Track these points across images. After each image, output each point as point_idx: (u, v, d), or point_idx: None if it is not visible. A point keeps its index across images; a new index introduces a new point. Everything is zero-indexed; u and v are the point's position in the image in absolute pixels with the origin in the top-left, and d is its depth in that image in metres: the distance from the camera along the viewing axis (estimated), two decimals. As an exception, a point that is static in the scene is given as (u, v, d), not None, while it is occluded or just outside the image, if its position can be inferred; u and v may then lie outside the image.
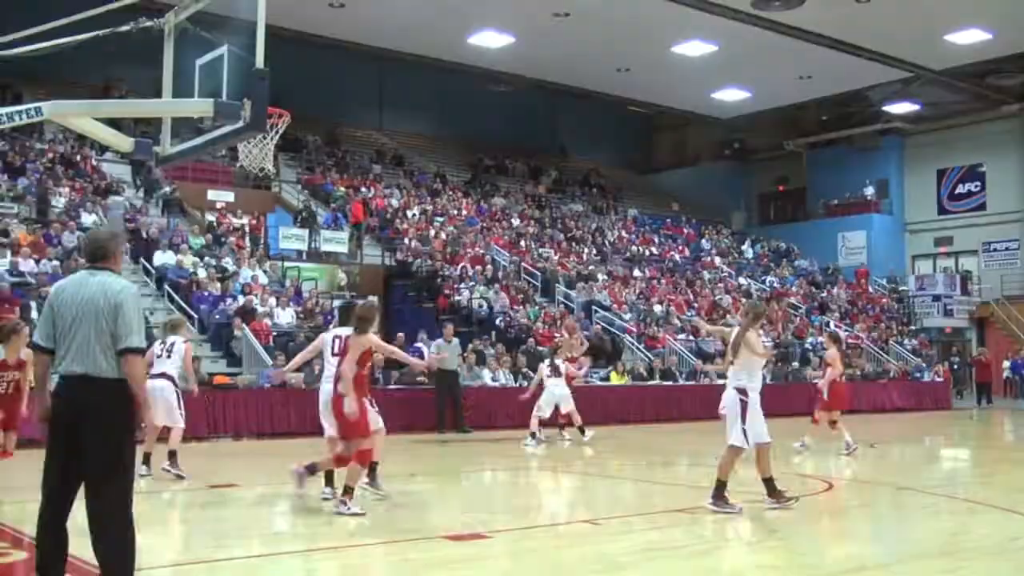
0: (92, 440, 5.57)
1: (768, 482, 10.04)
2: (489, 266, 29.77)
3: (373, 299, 15.02)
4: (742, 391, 9.80)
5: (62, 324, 5.73)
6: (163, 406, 12.05)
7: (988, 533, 9.42)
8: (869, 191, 44.54)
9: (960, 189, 43.57)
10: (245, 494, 11.63)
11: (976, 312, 40.74)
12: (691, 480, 12.90)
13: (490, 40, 33.41)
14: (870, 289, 41.15)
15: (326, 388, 10.26)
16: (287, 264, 27.69)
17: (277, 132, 11.38)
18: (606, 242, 36.77)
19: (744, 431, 9.69)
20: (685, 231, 41.79)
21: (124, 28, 9.62)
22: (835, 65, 35.33)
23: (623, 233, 38.58)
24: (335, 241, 29.20)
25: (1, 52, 9.37)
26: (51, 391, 5.78)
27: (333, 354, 10.33)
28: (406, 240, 30.35)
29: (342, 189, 32.68)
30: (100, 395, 5.61)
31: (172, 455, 12.30)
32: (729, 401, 9.87)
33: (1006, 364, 36.57)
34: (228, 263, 24.91)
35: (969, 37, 33.24)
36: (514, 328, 26.42)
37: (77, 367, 5.64)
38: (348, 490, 9.39)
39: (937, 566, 7.86)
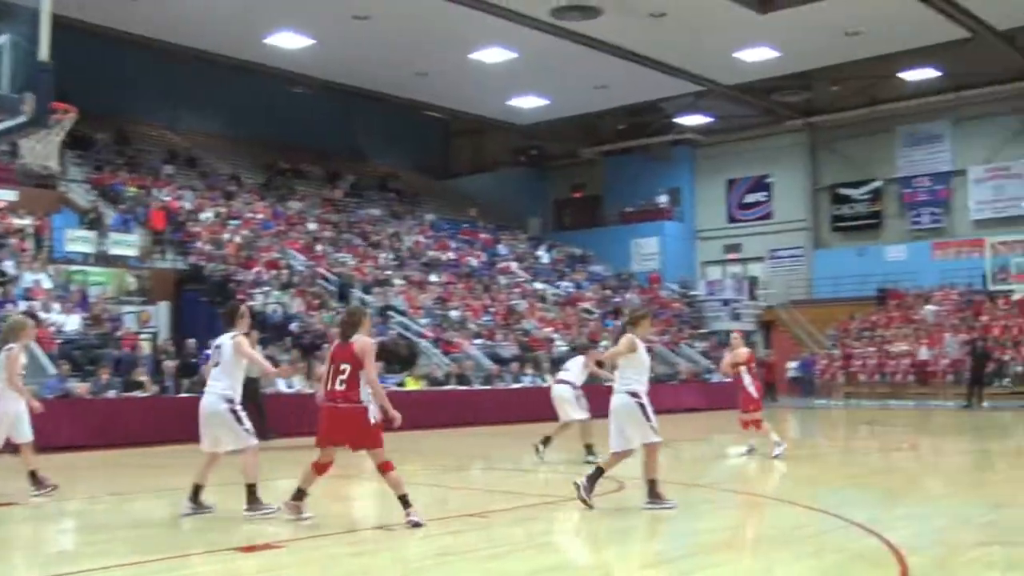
0: None
1: (652, 483, 10.18)
2: (284, 271, 29.27)
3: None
4: (634, 394, 10.03)
5: None
6: None
7: (771, 524, 9.79)
8: (662, 199, 45.78)
9: (748, 199, 45.26)
10: (25, 512, 11.01)
11: (763, 316, 42.37)
12: (485, 484, 12.94)
13: (288, 41, 32.82)
14: (662, 294, 42.24)
15: (210, 400, 9.80)
16: (73, 268, 26.46)
17: (63, 128, 10.91)
18: (403, 247, 36.64)
19: (652, 428, 10.01)
20: (482, 236, 41.99)
21: None
22: (631, 76, 36.15)
23: (420, 238, 38.52)
24: (124, 244, 28.07)
25: None
26: None
27: (214, 364, 9.90)
28: (199, 244, 29.47)
29: (133, 189, 31.57)
30: None
31: None
32: (620, 406, 10.08)
33: (791, 364, 38.14)
34: (9, 266, 23.72)
35: (757, 55, 34.54)
36: (309, 334, 26.03)
37: None
38: (406, 502, 9.04)
39: (723, 558, 8.09)
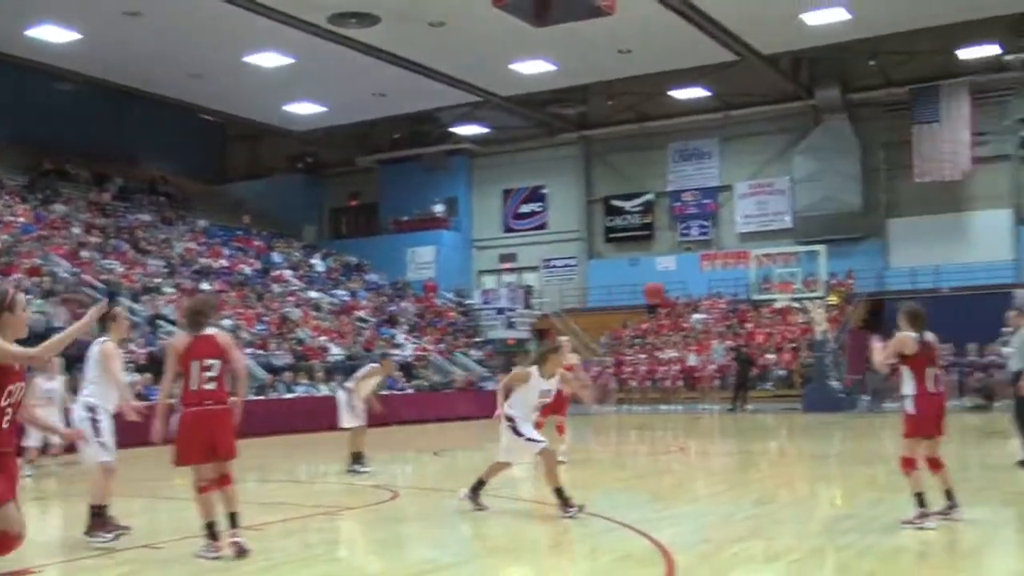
0: None
1: (558, 492, 10.03)
2: (47, 278, 27.90)
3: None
4: (509, 418, 10.29)
5: None
6: None
7: (545, 529, 9.88)
8: (439, 208, 45.91)
9: (524, 208, 45.93)
10: None
11: (537, 324, 43.02)
12: (258, 496, 12.61)
13: (52, 34, 31.21)
14: (438, 302, 42.38)
15: (76, 408, 9.26)
16: None
17: None
18: (174, 254, 35.52)
19: (530, 440, 10.14)
20: (256, 244, 41.13)
21: None
22: (408, 85, 36.14)
23: (192, 245, 37.42)
24: None
25: None
26: None
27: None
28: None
29: None
30: None
31: None
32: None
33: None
34: None
35: (534, 67, 35.10)
36: (74, 345, 24.79)
37: None
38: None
39: (499, 563, 8.12)
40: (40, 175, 37.87)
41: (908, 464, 8.98)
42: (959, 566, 7.68)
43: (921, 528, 8.64)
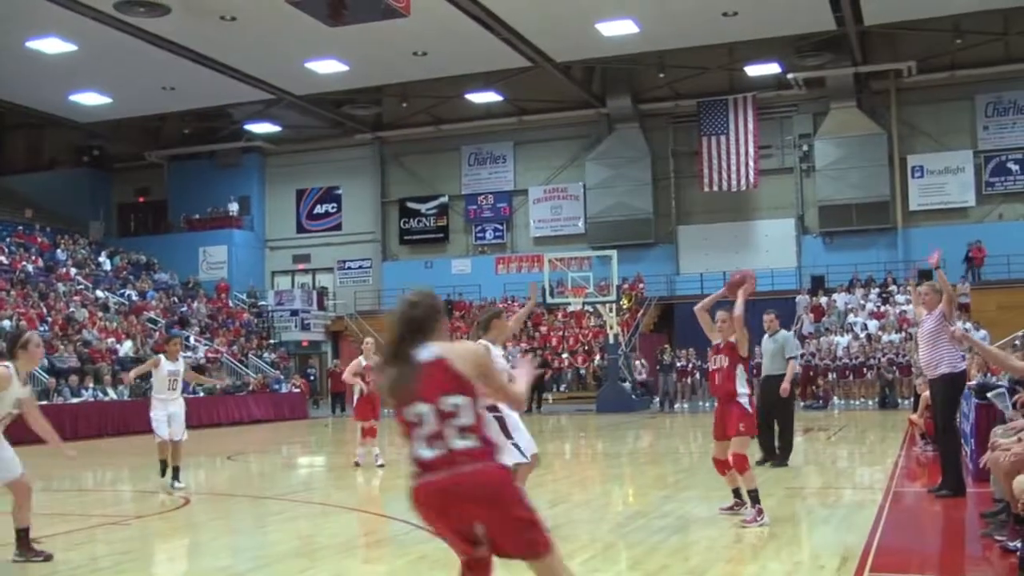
0: None
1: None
2: None
3: None
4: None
5: None
6: None
7: (338, 532, 9.82)
8: (232, 207, 44.96)
9: (318, 209, 45.47)
10: None
11: (331, 326, 42.65)
12: (43, 507, 12.07)
13: None
14: (230, 303, 41.54)
15: None
16: None
17: None
18: (-52, 249, 33.77)
19: (515, 446, 8.83)
20: (39, 240, 39.41)
21: None
22: (199, 79, 35.36)
23: (-32, 240, 35.67)
24: None
25: None
26: None
27: None
28: None
29: None
30: None
31: None
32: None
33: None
34: None
35: (328, 67, 34.84)
36: None
37: None
38: None
39: (295, 567, 8.00)
40: None
41: (743, 462, 9.14)
42: (746, 558, 7.96)
43: (762, 525, 8.90)
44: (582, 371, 35.92)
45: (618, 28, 31.73)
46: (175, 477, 13.19)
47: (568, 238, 41.16)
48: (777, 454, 14.05)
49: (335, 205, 45.34)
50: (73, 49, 32.42)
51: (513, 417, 8.83)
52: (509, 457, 8.77)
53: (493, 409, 8.77)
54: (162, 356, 13.61)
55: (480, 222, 43.21)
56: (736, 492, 9.51)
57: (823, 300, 35.82)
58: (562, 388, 35.18)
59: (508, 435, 8.91)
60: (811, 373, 31.17)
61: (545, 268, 34.26)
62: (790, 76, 36.77)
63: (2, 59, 33.46)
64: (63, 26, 30.46)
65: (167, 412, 13.27)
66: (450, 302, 40.59)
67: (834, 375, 31.91)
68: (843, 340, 32.60)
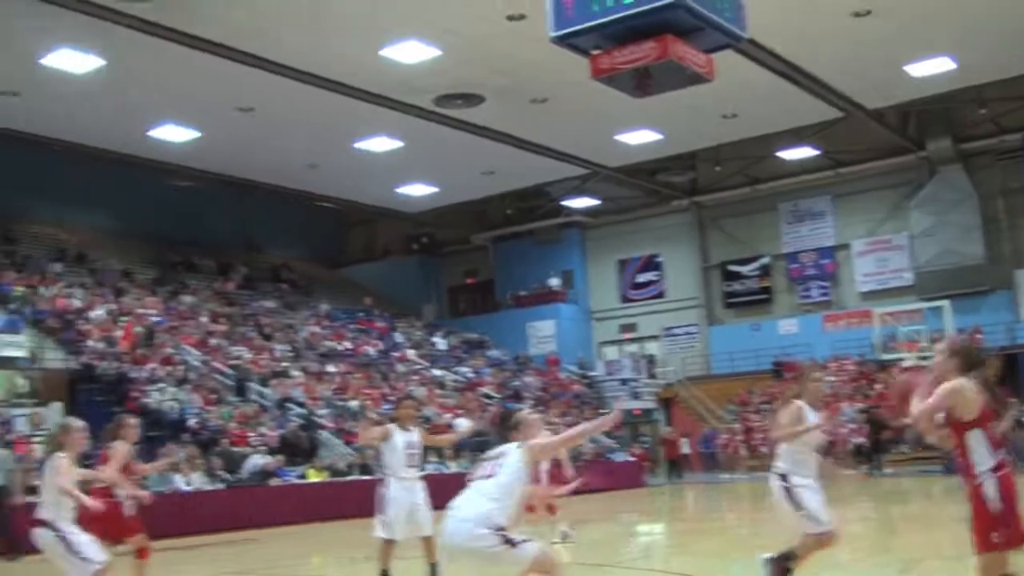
0: None
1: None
2: (180, 366, 28.71)
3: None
4: (783, 476, 8.90)
5: None
6: None
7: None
8: (555, 282, 46.08)
9: (640, 278, 45.86)
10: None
11: (662, 393, 42.72)
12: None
13: (172, 134, 32.27)
14: (561, 375, 42.38)
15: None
16: (-39, 371, 25.55)
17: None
18: (299, 338, 36.24)
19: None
20: (378, 325, 41.76)
21: None
22: (516, 161, 36.51)
23: (316, 328, 38.15)
24: (13, 345, 27.29)
25: None
26: None
27: None
28: (91, 342, 28.68)
29: (20, 289, 30.72)
30: None
31: None
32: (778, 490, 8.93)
33: (683, 440, 38.34)
34: None
35: (640, 138, 35.15)
36: (207, 430, 25.54)
37: None
38: None
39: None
40: (168, 268, 39.13)
41: None
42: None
43: None
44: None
45: (932, 67, 30.44)
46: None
47: (896, 291, 39.54)
48: None
49: (657, 273, 45.61)
50: (400, 145, 34.34)
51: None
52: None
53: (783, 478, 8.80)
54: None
55: (804, 280, 42.29)
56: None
57: None
58: (903, 449, 33.54)
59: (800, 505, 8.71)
60: None
61: (875, 323, 33.12)
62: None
63: (337, 162, 35.91)
64: (389, 125, 32.33)
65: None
66: (779, 363, 39.89)
67: None
68: None
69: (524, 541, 6.47)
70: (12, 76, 27.03)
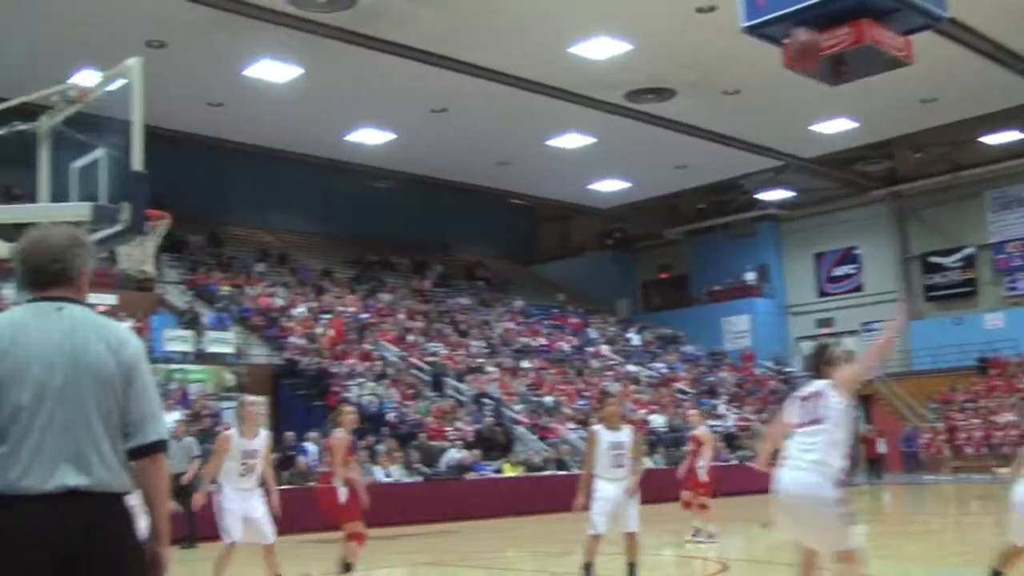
0: None
1: None
2: (379, 362, 29.56)
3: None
4: None
5: (17, 398, 3.23)
6: None
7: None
8: (750, 276, 45.45)
9: (837, 272, 44.78)
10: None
11: (861, 390, 41.54)
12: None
13: (369, 137, 33.34)
14: (756, 371, 41.78)
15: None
16: (172, 367, 27.05)
17: (159, 234, 11.16)
18: (494, 334, 36.79)
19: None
20: (572, 321, 42.01)
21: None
22: (709, 155, 36.12)
23: (511, 325, 38.66)
24: (221, 342, 28.70)
25: None
26: None
27: None
28: (292, 339, 29.88)
29: (227, 288, 32.25)
30: (112, 527, 3.29)
31: None
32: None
33: (880, 440, 37.13)
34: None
35: (835, 127, 34.31)
36: (406, 423, 26.22)
37: (66, 476, 3.21)
38: None
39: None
40: (366, 267, 40.32)
41: None
42: None
43: None
44: None
45: None
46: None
47: (1115, 280, 37.61)
48: None
49: (855, 266, 44.44)
50: (592, 141, 34.49)
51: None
52: None
53: None
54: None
55: (1011, 271, 40.46)
56: None
57: None
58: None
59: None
60: None
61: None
62: None
63: (529, 159, 36.32)
64: (581, 122, 32.51)
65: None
66: (984, 359, 38.37)
67: None
68: None
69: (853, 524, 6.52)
70: (216, 88, 28.73)
